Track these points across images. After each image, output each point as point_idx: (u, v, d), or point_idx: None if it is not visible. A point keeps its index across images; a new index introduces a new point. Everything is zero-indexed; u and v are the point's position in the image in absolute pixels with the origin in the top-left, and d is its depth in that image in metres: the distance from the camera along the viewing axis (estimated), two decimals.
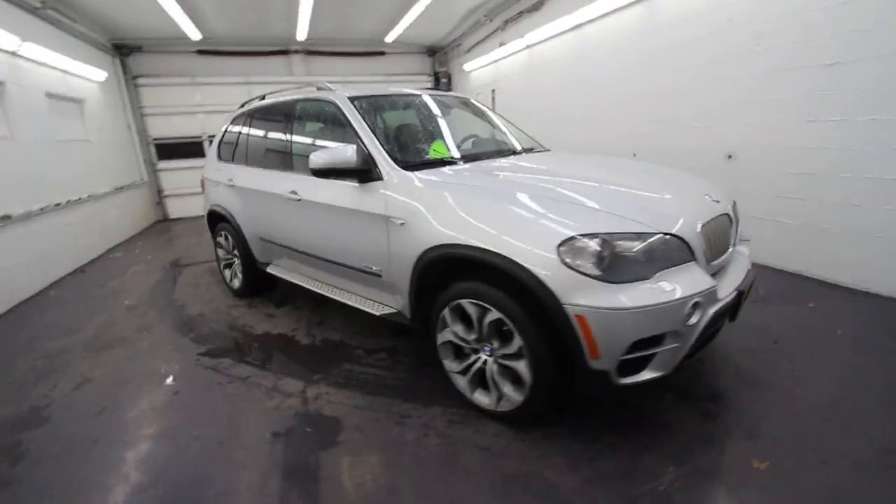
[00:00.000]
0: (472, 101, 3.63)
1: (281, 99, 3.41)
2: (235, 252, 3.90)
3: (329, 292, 2.95)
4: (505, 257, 1.81)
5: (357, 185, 2.51)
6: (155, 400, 2.50)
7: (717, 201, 2.12)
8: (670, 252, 1.77)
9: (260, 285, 4.04)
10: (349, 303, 2.77)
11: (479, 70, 8.75)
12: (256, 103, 3.75)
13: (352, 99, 2.79)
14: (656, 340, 1.72)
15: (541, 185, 2.18)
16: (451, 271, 2.16)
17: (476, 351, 2.13)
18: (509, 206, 1.94)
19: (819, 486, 1.66)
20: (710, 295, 1.78)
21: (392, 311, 2.56)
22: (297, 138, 3.15)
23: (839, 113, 3.27)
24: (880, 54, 3.00)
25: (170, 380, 2.71)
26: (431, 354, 2.33)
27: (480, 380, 2.15)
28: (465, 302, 2.03)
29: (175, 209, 8.94)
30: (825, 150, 3.39)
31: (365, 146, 2.49)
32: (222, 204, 3.85)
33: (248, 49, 8.77)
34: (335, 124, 3.11)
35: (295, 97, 3.24)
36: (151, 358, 3.00)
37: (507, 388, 2.00)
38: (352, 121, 2.65)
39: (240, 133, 3.82)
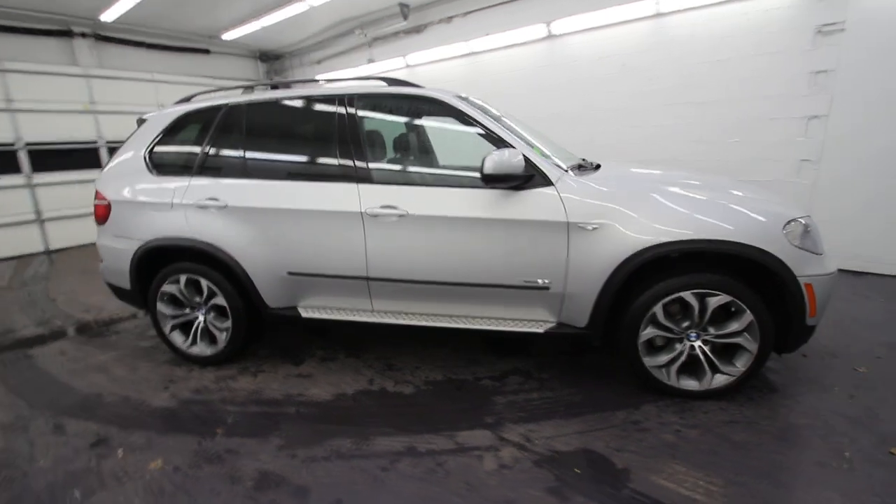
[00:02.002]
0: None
1: (318, 92, 2.65)
2: (215, 301, 2.75)
3: (447, 323, 2.49)
4: (745, 245, 2.04)
5: (505, 192, 2.28)
6: None
7: None
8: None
9: (254, 341, 2.98)
10: (491, 328, 2.43)
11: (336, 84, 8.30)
12: (255, 97, 2.77)
13: (461, 98, 2.49)
14: None
15: (700, 184, 2.46)
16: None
17: (680, 340, 2.27)
18: (720, 201, 2.19)
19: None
20: None
21: (552, 324, 2.41)
22: (373, 142, 2.54)
23: (713, 136, 4.71)
24: (733, 98, 4.51)
25: (290, 492, 1.80)
26: (562, 363, 2.34)
27: (683, 367, 2.29)
28: (686, 294, 2.15)
29: None
30: (706, 161, 4.81)
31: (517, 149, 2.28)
32: (191, 235, 2.67)
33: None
34: (429, 125, 2.72)
35: (347, 91, 2.59)
36: (205, 480, 1.89)
37: (727, 367, 2.23)
38: (486, 123, 2.37)
39: (216, 136, 2.74)
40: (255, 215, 2.60)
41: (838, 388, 2.36)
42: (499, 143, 2.34)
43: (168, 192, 2.74)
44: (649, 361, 2.30)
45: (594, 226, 2.19)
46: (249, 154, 2.71)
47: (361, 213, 2.43)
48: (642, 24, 4.86)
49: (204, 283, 2.73)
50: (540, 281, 2.32)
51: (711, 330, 2.22)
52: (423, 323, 2.54)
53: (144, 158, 2.85)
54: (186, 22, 6.91)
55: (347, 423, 2.24)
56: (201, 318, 2.86)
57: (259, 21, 6.60)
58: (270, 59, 9.12)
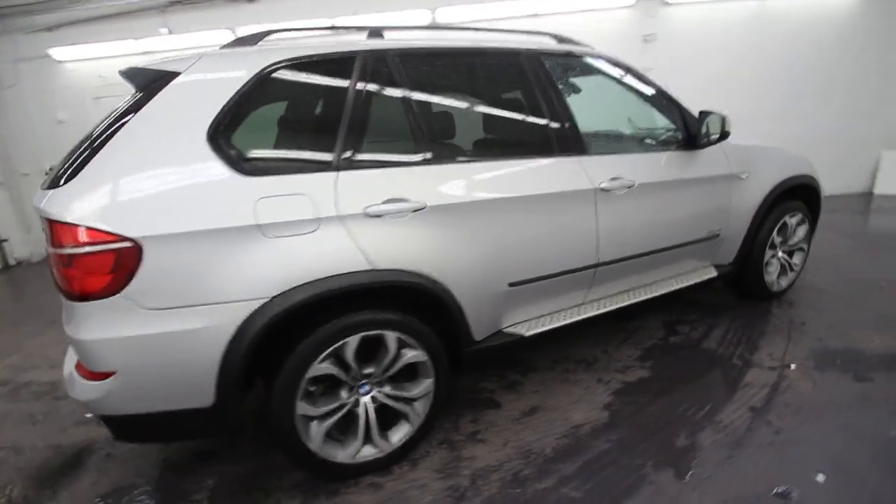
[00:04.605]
0: None
1: (499, 45, 1.98)
2: (405, 361, 1.76)
3: (646, 295, 2.43)
4: (810, 177, 2.92)
5: (689, 152, 2.46)
6: None
7: None
8: None
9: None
10: (684, 285, 2.54)
11: (99, 61, 5.65)
12: (406, 42, 1.84)
13: None
14: None
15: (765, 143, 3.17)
16: None
17: (774, 255, 2.98)
18: (791, 153, 2.98)
19: None
20: None
21: (712, 267, 2.73)
22: (571, 105, 2.14)
23: None
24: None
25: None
26: (686, 304, 3.02)
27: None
28: (787, 218, 2.86)
29: None
30: None
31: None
32: (372, 265, 1.60)
33: None
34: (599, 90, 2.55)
35: (535, 48, 2.11)
36: None
37: (793, 266, 3.08)
38: (667, 91, 2.43)
39: (361, 102, 1.70)
40: (466, 214, 1.81)
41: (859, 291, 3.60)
42: (668, 106, 2.46)
43: (300, 201, 1.54)
44: (766, 277, 2.94)
45: (746, 174, 2.63)
46: (430, 125, 1.82)
47: (595, 189, 2.07)
48: (525, 21, 5.49)
49: (391, 337, 1.70)
50: (716, 230, 2.60)
51: (789, 241, 3.02)
52: (628, 302, 2.39)
53: (213, 148, 1.47)
54: None
55: (683, 426, 1.95)
56: (367, 399, 1.76)
57: None
58: None
